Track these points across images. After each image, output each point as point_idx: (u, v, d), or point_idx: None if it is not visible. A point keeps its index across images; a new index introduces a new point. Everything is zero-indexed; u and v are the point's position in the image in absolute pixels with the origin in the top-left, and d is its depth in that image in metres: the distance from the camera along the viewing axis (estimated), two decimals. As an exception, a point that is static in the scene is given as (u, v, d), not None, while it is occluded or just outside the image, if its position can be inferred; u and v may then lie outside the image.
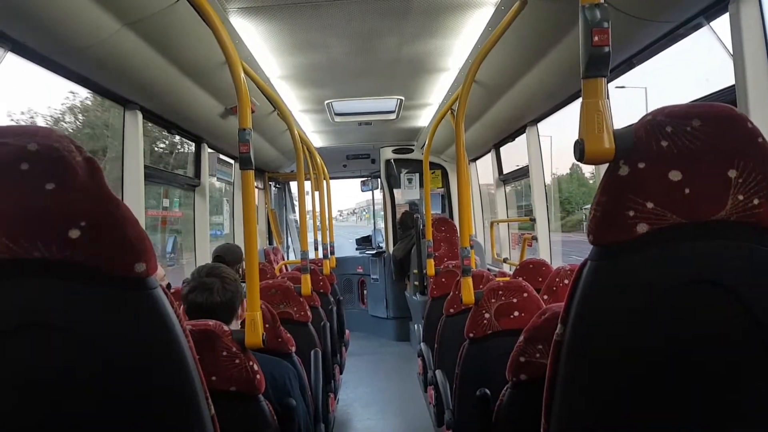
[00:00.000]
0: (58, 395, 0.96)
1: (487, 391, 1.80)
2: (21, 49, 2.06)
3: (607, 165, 1.04)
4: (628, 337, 1.02)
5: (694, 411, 1.02)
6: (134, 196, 2.96)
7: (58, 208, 0.93)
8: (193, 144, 4.22)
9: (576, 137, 1.06)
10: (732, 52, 1.89)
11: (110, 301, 0.97)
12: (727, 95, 1.97)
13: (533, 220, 4.23)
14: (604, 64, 1.04)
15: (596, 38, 1.02)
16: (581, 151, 1.03)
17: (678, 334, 1.01)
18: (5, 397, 0.95)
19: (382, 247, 7.07)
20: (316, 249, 5.31)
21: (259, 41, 2.85)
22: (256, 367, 1.59)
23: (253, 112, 2.96)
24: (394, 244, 6.47)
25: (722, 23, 1.97)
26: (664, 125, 1.01)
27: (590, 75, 1.05)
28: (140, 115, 3.00)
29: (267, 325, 2.18)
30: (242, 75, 1.82)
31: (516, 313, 2.23)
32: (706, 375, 1.01)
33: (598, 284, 1.03)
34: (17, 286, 0.95)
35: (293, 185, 7.95)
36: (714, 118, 1.00)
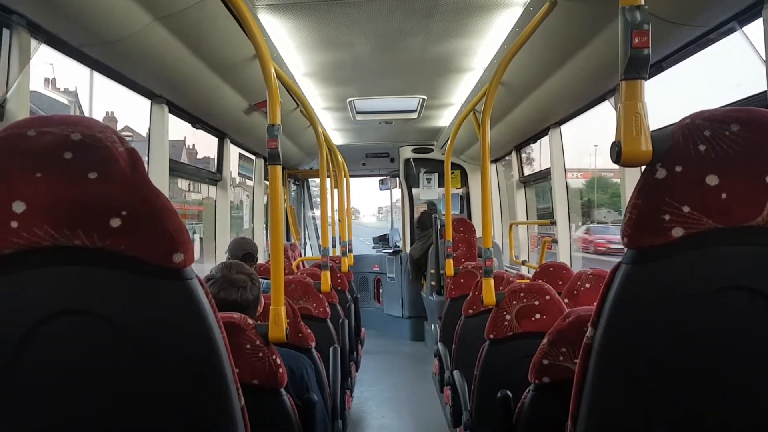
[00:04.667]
0: (94, 380, 0.98)
1: (509, 393, 1.79)
2: (54, 42, 2.09)
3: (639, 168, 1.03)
4: (661, 341, 1.01)
5: (727, 417, 1.01)
6: (160, 189, 2.98)
7: (100, 197, 0.95)
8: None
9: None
10: (764, 58, 1.86)
11: (149, 290, 0.98)
12: (759, 101, 1.95)
13: (554, 222, 4.20)
14: (643, 66, 1.04)
15: (636, 40, 1.02)
16: (618, 153, 1.03)
17: (712, 339, 1.00)
18: (44, 381, 0.97)
19: (399, 246, 7.07)
20: (333, 246, 5.32)
21: (285, 38, 2.86)
22: (279, 361, 1.60)
23: None
24: (411, 244, 6.47)
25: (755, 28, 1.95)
26: (703, 129, 1.00)
27: (630, 77, 1.04)
28: (167, 109, 3.03)
29: (288, 320, 2.19)
30: (273, 71, 1.83)
31: (537, 316, 2.22)
32: (739, 380, 1.00)
33: (632, 288, 1.02)
34: (58, 273, 0.96)
35: (312, 182, 7.98)
36: (753, 123, 0.99)
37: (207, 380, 1.01)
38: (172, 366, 0.99)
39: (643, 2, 1.05)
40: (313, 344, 2.40)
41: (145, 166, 2.98)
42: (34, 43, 2.00)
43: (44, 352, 0.97)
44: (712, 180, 0.99)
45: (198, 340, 1.00)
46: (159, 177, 3.00)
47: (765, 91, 1.89)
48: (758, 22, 1.89)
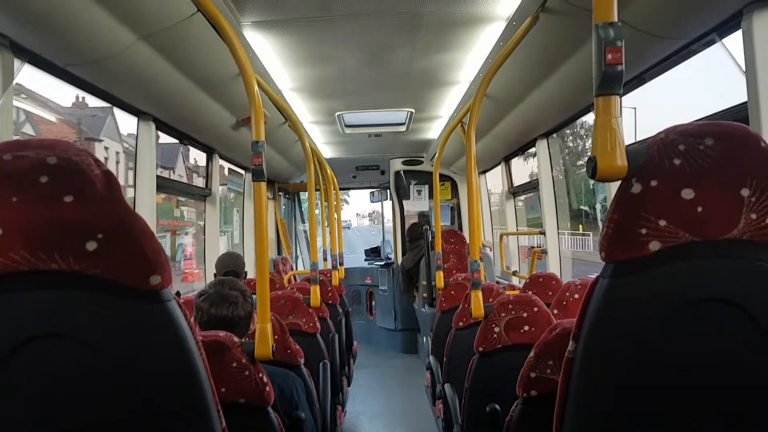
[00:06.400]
0: (71, 405, 0.97)
1: (497, 407, 1.79)
2: (38, 61, 2.09)
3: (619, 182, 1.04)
4: (640, 354, 1.01)
5: (707, 426, 1.02)
6: (147, 206, 2.98)
7: (76, 220, 0.94)
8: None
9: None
10: (744, 69, 1.89)
11: (125, 313, 0.97)
12: (739, 112, 1.96)
13: (543, 233, 4.22)
14: (617, 83, 1.05)
15: (609, 56, 1.03)
16: (594, 169, 1.03)
17: (690, 352, 1.01)
18: (20, 406, 0.96)
19: (390, 258, 7.07)
20: (325, 260, 5.31)
21: (271, 54, 2.87)
22: (265, 379, 1.59)
23: (264, 123, 2.99)
24: (402, 255, 6.47)
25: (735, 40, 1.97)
26: (677, 143, 1.01)
27: (603, 93, 1.05)
28: (153, 126, 3.03)
29: (276, 337, 2.18)
30: (256, 88, 1.84)
31: (526, 328, 2.22)
32: (718, 392, 1.01)
33: (610, 301, 1.03)
34: (36, 297, 0.96)
35: (303, 195, 7.98)
36: (727, 137, 1.01)
37: (186, 402, 1.00)
38: (150, 389, 0.98)
39: (616, 19, 1.06)
40: (302, 360, 2.38)
41: (132, 182, 2.99)
42: (17, 63, 1.99)
43: (22, 376, 0.96)
44: (687, 194, 1.00)
45: (176, 362, 0.99)
46: (146, 194, 3.00)
47: (745, 102, 1.91)
48: (738, 34, 1.92)
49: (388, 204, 7.45)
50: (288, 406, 1.89)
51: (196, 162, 16.71)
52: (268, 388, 1.59)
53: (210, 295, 1.89)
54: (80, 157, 0.95)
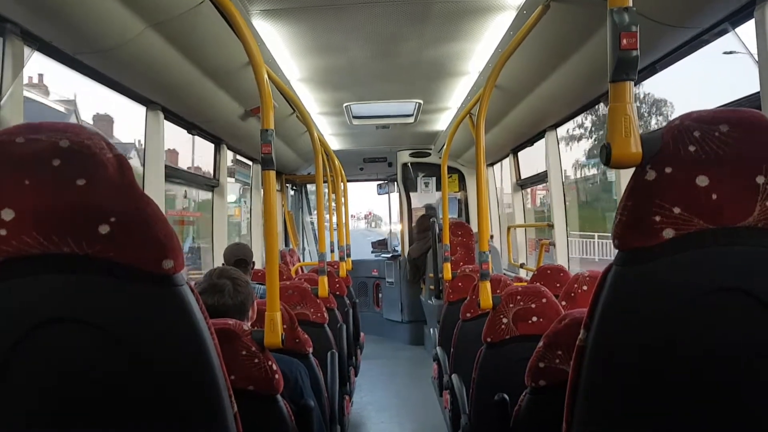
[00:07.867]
0: (84, 388, 0.97)
1: (506, 396, 1.79)
2: (47, 49, 2.09)
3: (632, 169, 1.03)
4: (653, 342, 1.01)
5: (720, 418, 1.01)
6: (155, 196, 2.98)
7: (89, 203, 0.95)
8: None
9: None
10: (757, 59, 1.87)
11: (138, 297, 0.98)
12: (752, 102, 1.95)
13: (551, 225, 4.21)
14: (632, 68, 1.04)
15: (624, 42, 1.02)
16: (608, 155, 1.03)
17: (703, 341, 1.00)
18: (33, 388, 0.97)
19: (397, 251, 7.07)
20: (332, 251, 5.31)
21: (280, 44, 2.87)
22: (275, 367, 1.60)
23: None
24: (409, 247, 6.48)
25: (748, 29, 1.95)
26: (692, 130, 1.00)
27: (618, 79, 1.04)
28: (162, 116, 3.03)
29: (285, 326, 2.19)
30: (266, 77, 1.83)
31: (534, 319, 2.22)
32: (732, 382, 1.00)
33: (623, 289, 1.02)
34: (48, 280, 0.96)
35: (310, 187, 8.00)
36: (742, 124, 1.00)
37: (198, 387, 1.01)
38: (163, 373, 0.99)
39: (631, 4, 1.05)
40: (311, 350, 2.39)
41: (141, 171, 3.01)
42: (27, 51, 2.00)
43: (35, 361, 0.96)
44: (702, 181, 0.99)
45: (189, 346, 0.99)
46: (154, 183, 3.00)
47: (758, 92, 1.89)
48: (750, 23, 1.90)
49: (395, 204, 7.45)
50: (293, 392, 1.89)
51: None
52: (277, 376, 1.59)
53: (200, 283, 1.87)
54: (93, 141, 0.96)
